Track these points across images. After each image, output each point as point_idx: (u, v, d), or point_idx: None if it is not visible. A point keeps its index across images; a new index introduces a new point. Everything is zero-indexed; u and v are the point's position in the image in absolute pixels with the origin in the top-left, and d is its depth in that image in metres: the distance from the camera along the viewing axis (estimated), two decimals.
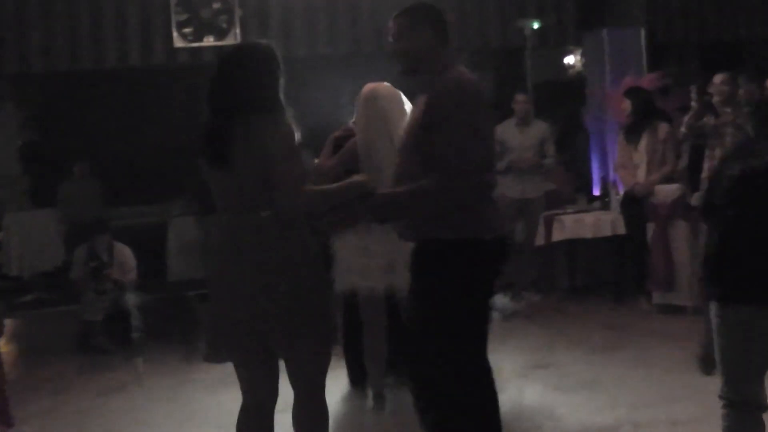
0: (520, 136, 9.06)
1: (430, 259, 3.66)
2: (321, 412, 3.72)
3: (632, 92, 8.43)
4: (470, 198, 3.57)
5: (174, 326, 8.46)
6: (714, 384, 5.34)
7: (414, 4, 3.78)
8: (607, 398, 5.45)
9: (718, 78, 7.29)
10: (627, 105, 8.28)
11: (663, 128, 8.10)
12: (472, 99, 3.59)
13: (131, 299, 8.19)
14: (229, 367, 6.20)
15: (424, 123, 3.64)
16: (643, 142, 8.13)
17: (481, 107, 3.62)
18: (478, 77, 3.76)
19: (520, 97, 9.27)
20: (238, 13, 11.06)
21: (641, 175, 8.13)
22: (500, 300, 7.93)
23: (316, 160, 5.62)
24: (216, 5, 11.09)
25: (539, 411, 5.33)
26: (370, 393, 5.70)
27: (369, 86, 5.27)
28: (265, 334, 3.52)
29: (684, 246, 7.64)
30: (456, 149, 3.48)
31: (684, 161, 8.09)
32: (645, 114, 8.17)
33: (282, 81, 3.59)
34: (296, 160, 3.43)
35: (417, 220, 3.69)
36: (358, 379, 5.94)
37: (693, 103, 7.38)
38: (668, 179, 8.01)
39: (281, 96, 3.56)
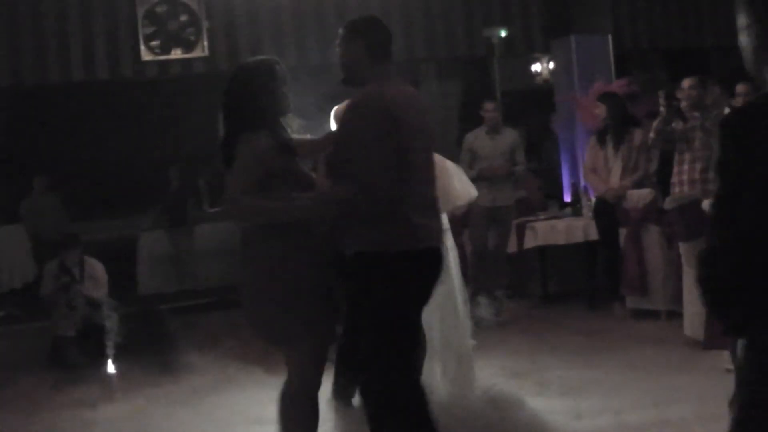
0: (490, 144, 9.09)
1: (356, 271, 3.71)
2: (311, 409, 3.83)
3: (607, 97, 8.48)
4: (380, 210, 3.59)
5: (145, 340, 8.37)
6: (697, 385, 5.40)
7: (355, 18, 3.95)
8: (592, 403, 5.40)
9: (686, 82, 7.35)
10: (602, 110, 8.31)
11: (638, 134, 8.13)
12: (382, 115, 3.60)
13: (105, 314, 8.10)
14: (202, 380, 6.15)
15: (335, 135, 3.88)
16: (620, 148, 8.18)
17: (397, 123, 3.61)
18: (410, 93, 3.86)
19: (488, 105, 9.29)
20: (205, 25, 11.03)
21: (615, 180, 8.16)
22: (485, 309, 7.89)
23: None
24: (183, 18, 11.05)
25: (525, 418, 5.24)
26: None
27: (338, 107, 5.32)
28: (261, 328, 3.82)
29: (657, 250, 7.67)
30: (360, 163, 3.57)
31: (654, 166, 8.14)
32: (621, 119, 8.23)
33: (281, 92, 3.90)
34: (244, 173, 3.66)
35: (343, 231, 3.75)
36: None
37: (662, 109, 7.42)
38: (639, 184, 8.05)
39: (277, 110, 3.88)
